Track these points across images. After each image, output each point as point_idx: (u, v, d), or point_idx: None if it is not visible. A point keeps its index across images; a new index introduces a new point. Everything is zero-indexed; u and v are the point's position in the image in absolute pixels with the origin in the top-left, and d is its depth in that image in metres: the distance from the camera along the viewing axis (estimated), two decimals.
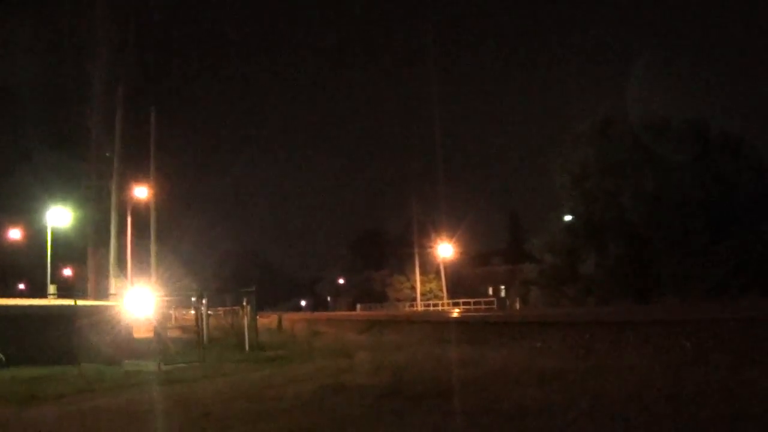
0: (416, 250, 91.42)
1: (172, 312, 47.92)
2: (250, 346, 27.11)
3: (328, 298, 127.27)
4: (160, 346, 24.62)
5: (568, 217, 67.34)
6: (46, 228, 46.12)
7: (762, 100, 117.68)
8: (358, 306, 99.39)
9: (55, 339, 22.32)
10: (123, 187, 46.68)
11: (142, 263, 48.60)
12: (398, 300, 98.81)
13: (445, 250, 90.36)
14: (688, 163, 55.99)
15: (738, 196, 55.67)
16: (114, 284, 43.02)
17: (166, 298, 37.50)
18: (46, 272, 44.98)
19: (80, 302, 26.66)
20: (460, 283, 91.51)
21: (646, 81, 60.32)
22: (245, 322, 29.57)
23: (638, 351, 14.32)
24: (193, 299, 35.87)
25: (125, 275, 46.47)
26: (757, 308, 21.79)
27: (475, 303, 76.49)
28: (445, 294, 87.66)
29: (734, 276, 51.40)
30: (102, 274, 45.55)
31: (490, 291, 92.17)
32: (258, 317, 32.63)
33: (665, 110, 60.85)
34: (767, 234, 53.17)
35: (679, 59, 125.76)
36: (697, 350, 13.20)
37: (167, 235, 55.18)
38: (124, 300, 31.75)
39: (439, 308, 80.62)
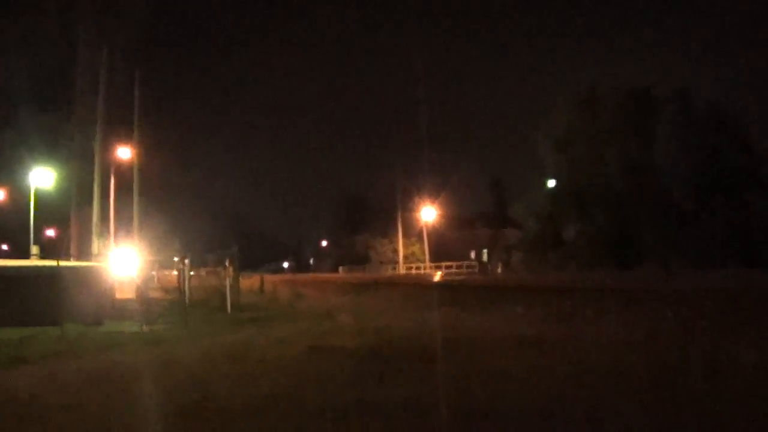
0: (399, 213, 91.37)
1: (154, 273, 47.92)
2: (232, 308, 27.18)
3: (311, 261, 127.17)
4: (143, 307, 24.65)
5: (551, 183, 67.43)
6: (29, 189, 45.93)
7: (747, 71, 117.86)
8: (341, 268, 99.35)
9: (37, 300, 22.30)
10: (107, 148, 46.44)
11: (126, 224, 48.49)
12: (381, 263, 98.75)
13: (428, 213, 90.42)
14: (672, 131, 56.13)
15: (722, 167, 55.84)
16: (97, 245, 42.90)
17: (150, 259, 37.51)
18: (29, 233, 44.84)
19: (63, 263, 26.63)
20: (442, 247, 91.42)
21: (633, 50, 60.54)
22: (227, 283, 29.61)
23: (620, 319, 14.45)
24: (175, 260, 35.83)
25: (109, 236, 46.36)
26: (738, 279, 21.99)
27: (457, 267, 76.66)
28: (427, 257, 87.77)
29: (717, 246, 51.68)
30: (85, 235, 45.40)
31: (473, 255, 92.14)
32: (240, 278, 32.66)
33: (651, 79, 61.03)
34: (750, 204, 53.42)
35: (665, 30, 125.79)
36: (679, 320, 13.33)
37: (151, 196, 55.01)
38: (110, 261, 31.70)
39: (422, 271, 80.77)
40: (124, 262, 30.90)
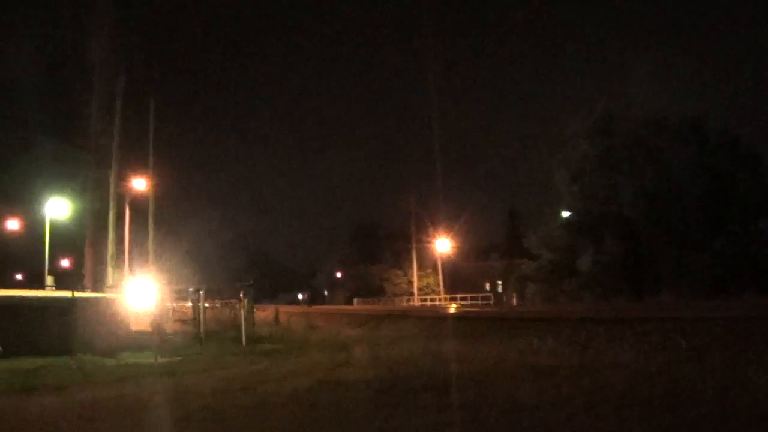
0: (414, 244, 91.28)
1: (169, 304, 48.05)
2: (247, 339, 27.17)
3: (325, 292, 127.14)
4: (158, 338, 24.67)
5: (566, 213, 67.35)
6: (44, 218, 46.10)
7: (761, 98, 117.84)
8: (355, 300, 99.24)
9: (52, 331, 22.36)
10: (122, 178, 46.71)
11: (140, 254, 48.65)
12: (395, 294, 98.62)
13: (443, 244, 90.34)
14: (687, 159, 56.12)
15: (735, 194, 55.81)
16: (112, 275, 43.05)
17: (165, 290, 37.56)
18: (44, 263, 44.99)
19: (78, 294, 26.70)
20: (457, 278, 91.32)
21: (646, 78, 60.65)
22: (242, 315, 29.63)
23: (634, 348, 14.38)
24: (190, 290, 35.86)
25: (123, 266, 46.51)
26: (752, 307, 21.88)
27: (472, 298, 76.38)
28: (442, 289, 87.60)
29: (731, 273, 51.56)
30: (100, 266, 45.58)
31: (488, 286, 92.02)
32: (255, 310, 32.66)
33: (664, 107, 61.05)
34: (764, 231, 53.35)
35: (678, 56, 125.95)
36: (693, 348, 13.27)
37: (166, 226, 55.19)
38: (126, 292, 31.78)
39: (436, 303, 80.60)
40: (140, 293, 30.97)
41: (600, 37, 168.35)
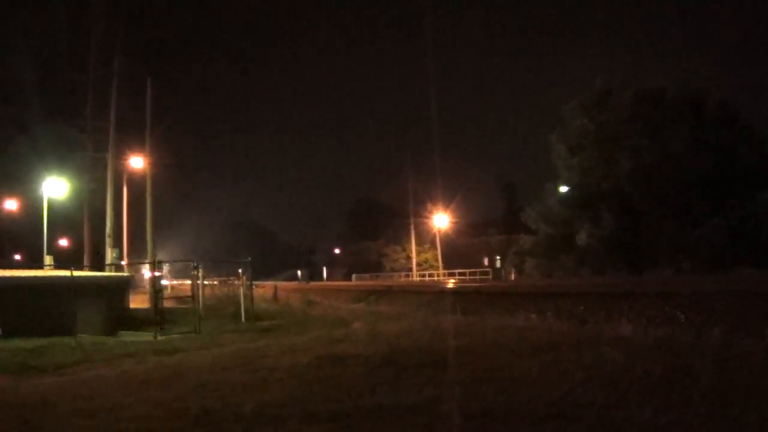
0: (412, 220, 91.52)
1: (167, 282, 48.07)
2: (245, 317, 27.28)
3: (324, 269, 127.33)
4: (156, 316, 24.72)
5: (564, 188, 67.46)
6: (42, 198, 46.10)
7: (760, 71, 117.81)
8: (354, 276, 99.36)
9: (52, 310, 22.41)
10: (120, 158, 46.63)
11: (139, 233, 48.62)
12: (394, 270, 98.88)
13: (441, 220, 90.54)
14: (686, 134, 56.04)
15: (734, 168, 55.76)
16: (110, 254, 43.04)
17: (164, 267, 37.61)
18: (43, 243, 45.00)
19: (77, 273, 26.71)
20: (455, 253, 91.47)
21: (645, 52, 60.70)
22: (241, 292, 29.72)
23: (633, 323, 14.41)
24: (189, 267, 35.93)
25: (122, 245, 46.51)
26: (750, 282, 21.91)
27: (470, 273, 76.62)
28: (440, 264, 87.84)
29: (729, 248, 51.58)
30: (99, 245, 45.58)
31: (486, 261, 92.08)
32: (254, 287, 32.73)
33: (663, 81, 60.99)
34: (763, 205, 53.29)
35: (677, 31, 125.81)
36: (691, 322, 13.29)
37: (165, 206, 55.22)
38: (125, 270, 31.85)
39: (435, 278, 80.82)
40: (139, 271, 31.08)
41: (602, 12, 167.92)
